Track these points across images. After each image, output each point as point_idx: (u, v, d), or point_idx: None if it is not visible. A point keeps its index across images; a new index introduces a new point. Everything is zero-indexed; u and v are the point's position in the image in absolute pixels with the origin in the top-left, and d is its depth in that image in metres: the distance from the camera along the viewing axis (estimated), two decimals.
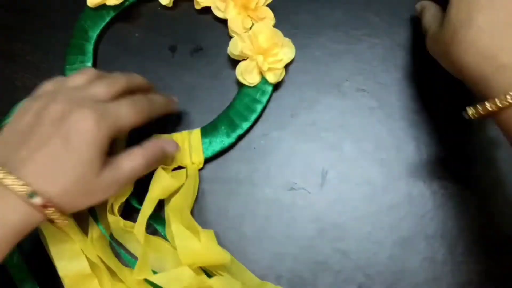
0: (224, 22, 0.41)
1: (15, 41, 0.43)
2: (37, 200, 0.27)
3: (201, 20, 0.42)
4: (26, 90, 0.41)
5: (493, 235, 0.36)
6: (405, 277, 0.35)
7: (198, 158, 0.37)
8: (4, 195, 0.27)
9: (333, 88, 0.40)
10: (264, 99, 0.39)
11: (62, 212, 0.29)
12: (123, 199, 0.35)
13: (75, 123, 0.28)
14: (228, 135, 0.38)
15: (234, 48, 0.38)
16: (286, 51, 0.39)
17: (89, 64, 0.40)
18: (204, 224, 0.37)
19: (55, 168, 0.28)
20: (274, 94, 0.40)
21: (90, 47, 0.41)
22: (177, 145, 0.36)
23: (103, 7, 0.41)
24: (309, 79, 0.40)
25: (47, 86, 0.33)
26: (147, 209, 0.34)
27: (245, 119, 0.38)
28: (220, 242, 0.36)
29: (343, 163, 0.38)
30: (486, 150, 0.38)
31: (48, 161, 0.28)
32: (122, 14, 0.42)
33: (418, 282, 0.35)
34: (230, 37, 0.40)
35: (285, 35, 0.39)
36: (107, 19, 0.41)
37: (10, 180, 0.27)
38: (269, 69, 0.38)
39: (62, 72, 0.41)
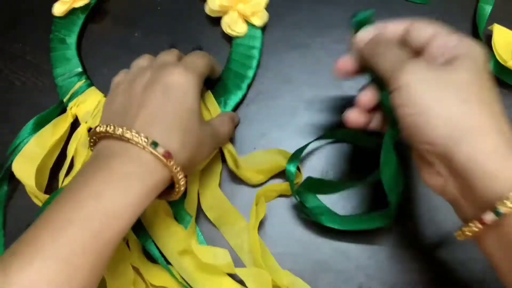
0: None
1: (14, 41, 0.43)
2: (160, 150, 0.27)
3: (201, 20, 0.42)
4: (26, 90, 0.41)
5: None
6: (405, 277, 0.35)
7: None
8: (127, 148, 0.28)
9: (334, 88, 0.40)
10: (258, 44, 0.40)
11: (182, 168, 0.29)
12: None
13: (166, 78, 0.30)
14: (238, 87, 0.39)
15: (213, 3, 0.39)
16: None
17: (79, 69, 0.40)
18: (205, 225, 0.37)
19: (164, 119, 0.29)
20: (275, 94, 0.40)
21: (73, 53, 0.41)
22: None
23: (71, 12, 0.41)
24: (309, 79, 0.40)
25: (140, 62, 0.34)
26: (194, 184, 0.36)
27: (248, 67, 0.39)
28: (221, 242, 0.37)
29: (343, 163, 0.38)
30: None
31: (156, 114, 0.29)
32: (121, 16, 0.42)
33: (418, 282, 0.35)
34: (230, 37, 0.41)
35: (285, 35, 0.39)
36: (80, 22, 0.41)
37: (129, 134, 0.27)
38: (253, 13, 0.39)
39: None
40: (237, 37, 0.40)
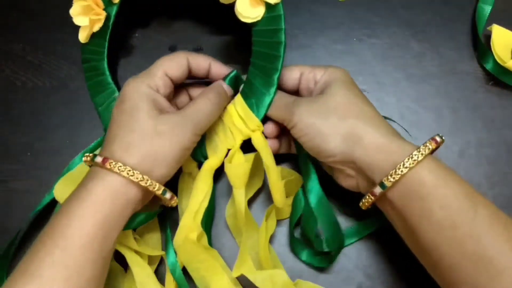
0: (223, 21, 0.41)
1: (15, 41, 0.43)
2: (98, 159, 0.30)
3: (201, 20, 0.42)
4: (26, 90, 0.41)
5: None
6: (405, 277, 0.35)
7: (254, 123, 0.34)
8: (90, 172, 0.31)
9: None
10: (281, 24, 0.34)
11: (142, 166, 0.30)
12: (206, 204, 0.34)
13: (123, 91, 0.32)
14: (268, 84, 0.34)
15: None
16: None
17: (116, 94, 0.38)
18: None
19: (108, 130, 0.32)
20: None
21: (108, 79, 0.38)
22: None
23: (95, 37, 0.38)
24: None
25: None
26: (240, 199, 0.34)
27: (275, 57, 0.34)
28: (220, 242, 0.37)
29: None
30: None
31: (112, 131, 0.31)
32: (121, 13, 0.42)
33: (418, 282, 0.35)
34: (230, 37, 0.40)
35: (286, 36, 0.39)
36: (106, 44, 0.38)
37: (84, 158, 0.32)
38: None
39: (62, 72, 0.41)
40: (254, 23, 0.34)
